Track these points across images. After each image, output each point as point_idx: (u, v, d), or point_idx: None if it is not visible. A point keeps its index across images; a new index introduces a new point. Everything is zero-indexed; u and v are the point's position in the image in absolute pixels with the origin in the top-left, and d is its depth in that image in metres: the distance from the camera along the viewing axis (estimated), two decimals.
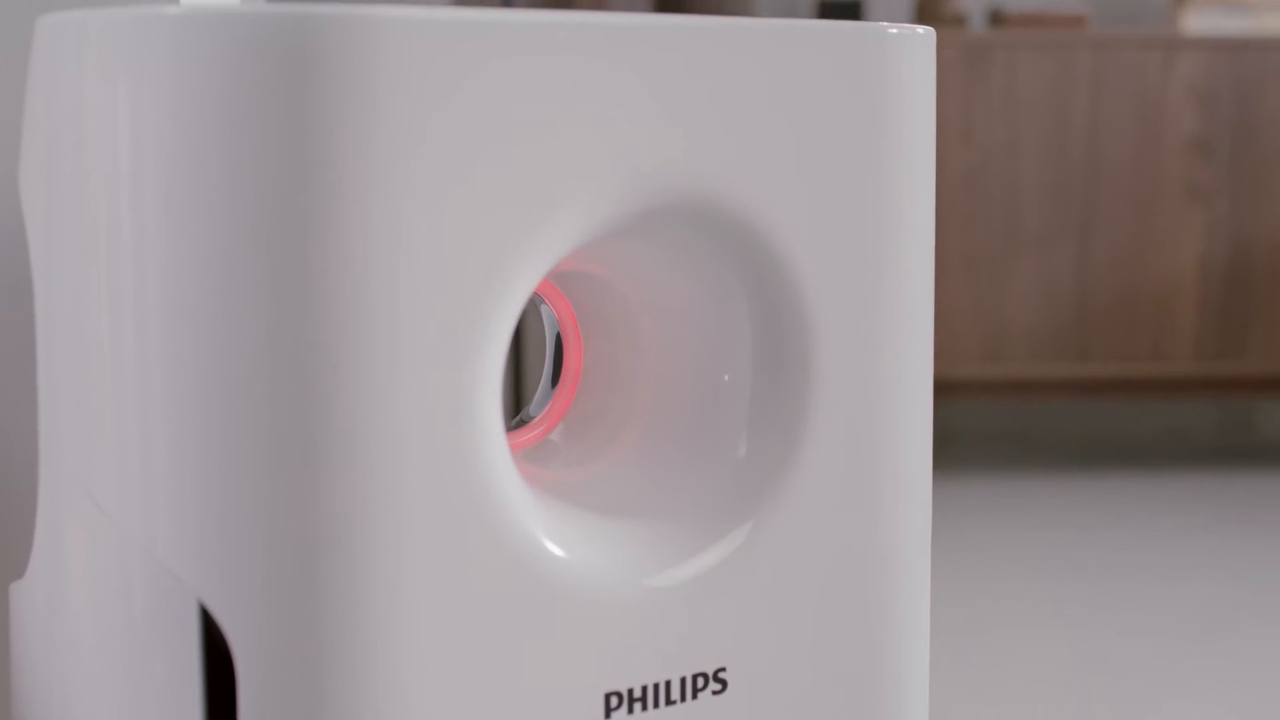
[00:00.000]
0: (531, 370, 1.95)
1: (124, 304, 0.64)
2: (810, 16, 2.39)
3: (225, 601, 0.63)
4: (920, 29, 0.75)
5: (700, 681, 0.70)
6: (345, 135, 0.61)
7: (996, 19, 2.43)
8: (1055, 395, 2.40)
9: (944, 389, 2.39)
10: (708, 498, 0.72)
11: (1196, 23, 2.39)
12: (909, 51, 0.74)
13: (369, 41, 0.61)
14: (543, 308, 0.76)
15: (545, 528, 0.67)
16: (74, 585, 0.69)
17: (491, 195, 0.64)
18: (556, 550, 0.67)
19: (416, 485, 0.63)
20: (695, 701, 0.70)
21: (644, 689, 0.69)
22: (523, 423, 0.77)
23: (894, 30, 0.73)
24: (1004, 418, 2.68)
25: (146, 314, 0.64)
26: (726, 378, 0.73)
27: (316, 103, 0.61)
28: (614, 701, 0.68)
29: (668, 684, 0.70)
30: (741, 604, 0.71)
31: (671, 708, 0.70)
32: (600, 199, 0.66)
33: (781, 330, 0.71)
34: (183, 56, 0.62)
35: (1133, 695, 1.45)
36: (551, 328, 0.77)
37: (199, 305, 0.62)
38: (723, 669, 0.71)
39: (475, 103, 0.63)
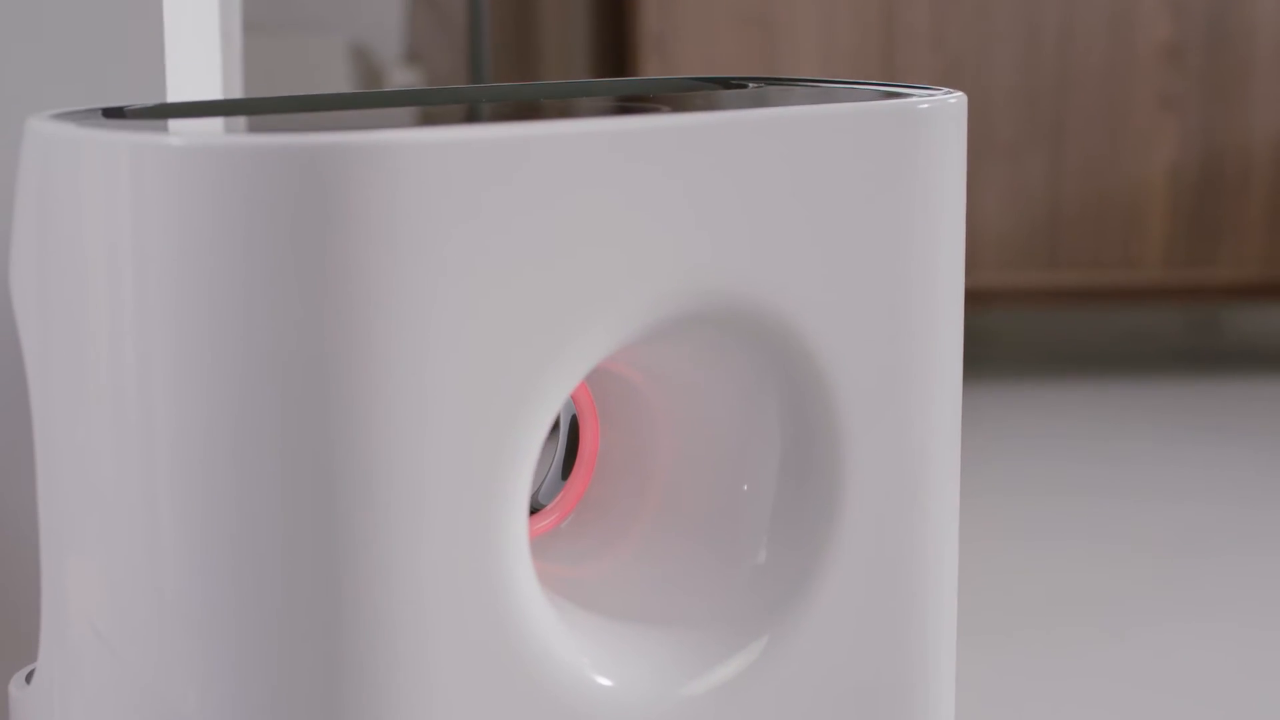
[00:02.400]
0: None
1: (129, 442, 0.61)
2: None
3: None
4: (952, 98, 0.71)
5: None
6: (367, 265, 0.58)
7: None
8: (1025, 303, 2.39)
9: None
10: (724, 604, 0.70)
11: None
12: (940, 124, 0.70)
13: (390, 169, 0.58)
14: None
15: (583, 657, 0.65)
16: (80, 713, 0.67)
17: (520, 315, 0.61)
18: (597, 678, 0.65)
19: (443, 623, 0.61)
20: None
21: None
22: (531, 510, 0.74)
23: (925, 105, 0.70)
24: (974, 325, 2.67)
25: (154, 453, 0.60)
26: (746, 487, 0.70)
27: (337, 234, 0.58)
28: None
29: None
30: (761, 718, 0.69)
31: None
32: (632, 310, 0.63)
33: (812, 436, 0.68)
34: (189, 190, 0.58)
35: (1114, 623, 1.44)
36: (567, 411, 0.74)
37: (210, 445, 0.59)
38: None
39: (500, 221, 0.60)
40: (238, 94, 1.40)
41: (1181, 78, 2.27)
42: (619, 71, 2.53)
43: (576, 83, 0.80)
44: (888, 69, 2.28)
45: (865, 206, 0.68)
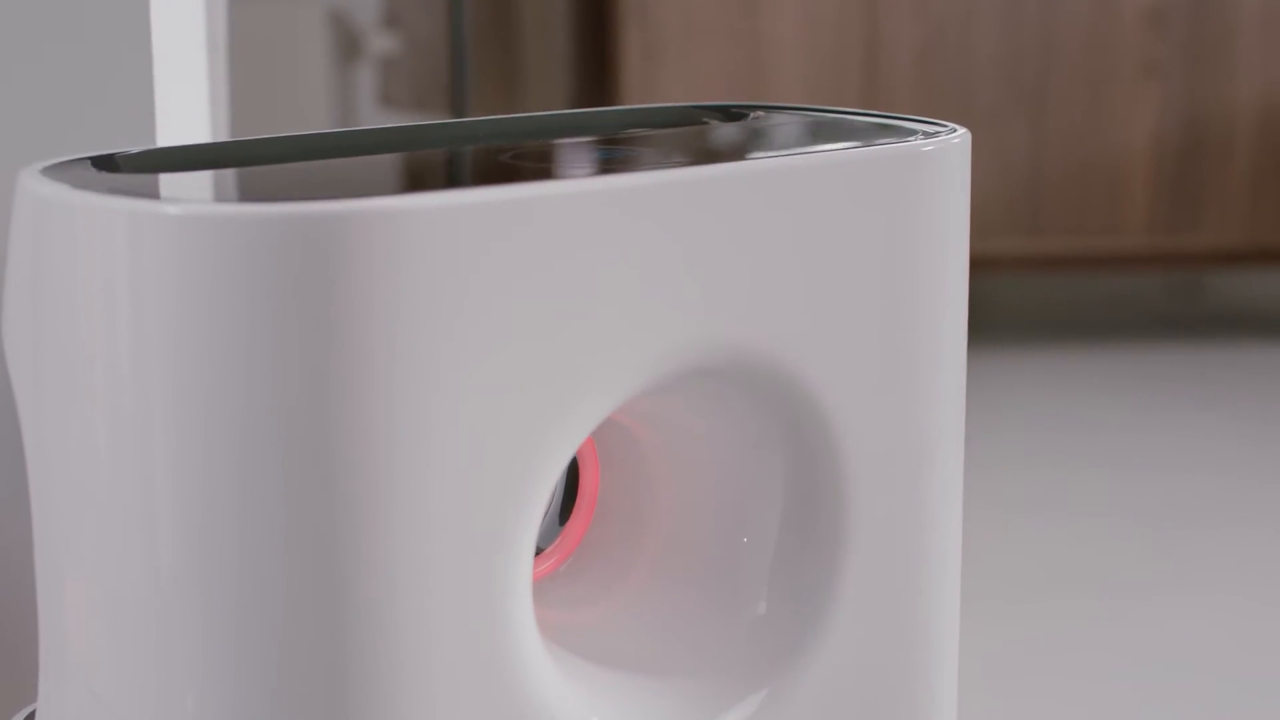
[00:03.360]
0: None
1: (129, 501, 0.60)
2: None
3: None
4: (956, 136, 0.70)
5: None
6: (369, 331, 0.57)
7: None
8: (1008, 270, 2.39)
9: None
10: (724, 655, 0.69)
11: None
12: (944, 165, 0.70)
13: (391, 237, 0.57)
14: None
15: (586, 712, 0.64)
16: None
17: (523, 375, 0.60)
18: None
19: (446, 681, 0.61)
20: None
21: None
22: None
23: (929, 148, 0.69)
24: None
25: (155, 517, 0.60)
26: (746, 539, 0.69)
27: (338, 301, 0.57)
28: None
29: None
30: None
31: None
32: (637, 366, 0.63)
33: (816, 489, 0.68)
34: (188, 259, 0.57)
35: (1102, 595, 1.44)
36: None
37: (212, 511, 0.59)
38: None
39: (501, 283, 0.59)
40: (224, 72, 1.38)
41: (1164, 44, 2.26)
42: (598, 40, 2.51)
43: (571, 114, 0.79)
44: (870, 38, 2.26)
45: (868, 253, 0.67)
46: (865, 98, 2.27)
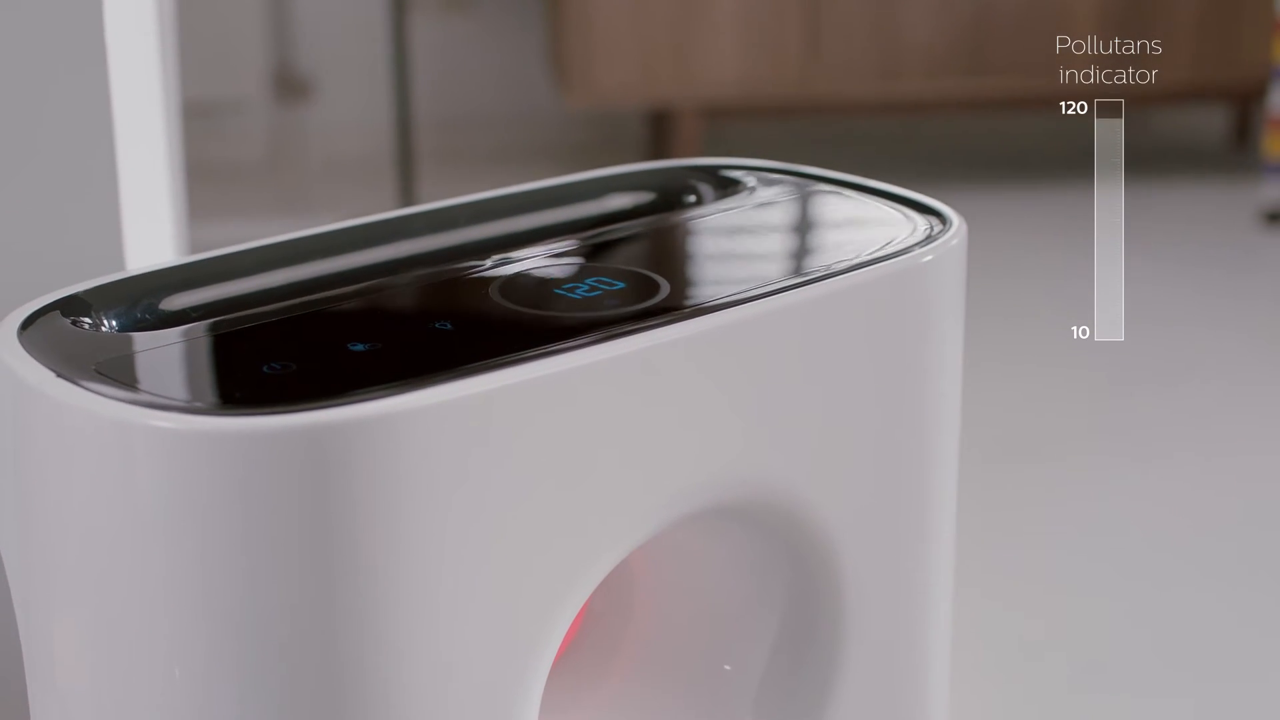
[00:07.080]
0: None
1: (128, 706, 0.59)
2: None
3: None
4: (953, 237, 0.68)
5: None
6: (372, 536, 0.56)
7: None
8: (952, 111, 2.37)
9: (840, 108, 2.34)
10: None
11: None
12: (942, 272, 0.68)
13: (391, 441, 0.55)
14: None
15: None
16: None
17: (530, 553, 0.59)
18: None
19: None
20: None
21: None
22: None
23: (929, 257, 0.67)
24: (901, 133, 2.64)
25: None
26: (728, 667, 0.69)
27: (339, 513, 0.55)
28: None
29: None
30: None
31: None
32: (645, 519, 0.61)
33: (816, 618, 0.67)
34: (180, 474, 0.55)
35: (1047, 449, 1.43)
36: None
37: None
38: None
39: (505, 463, 0.57)
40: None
41: None
42: None
43: (548, 190, 0.76)
44: None
45: (869, 370, 0.66)
46: None
